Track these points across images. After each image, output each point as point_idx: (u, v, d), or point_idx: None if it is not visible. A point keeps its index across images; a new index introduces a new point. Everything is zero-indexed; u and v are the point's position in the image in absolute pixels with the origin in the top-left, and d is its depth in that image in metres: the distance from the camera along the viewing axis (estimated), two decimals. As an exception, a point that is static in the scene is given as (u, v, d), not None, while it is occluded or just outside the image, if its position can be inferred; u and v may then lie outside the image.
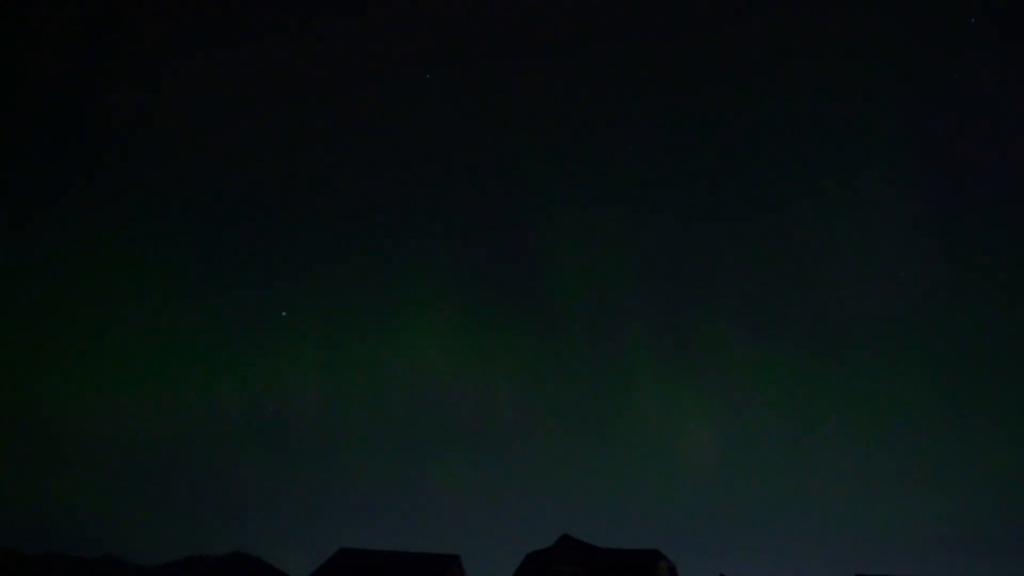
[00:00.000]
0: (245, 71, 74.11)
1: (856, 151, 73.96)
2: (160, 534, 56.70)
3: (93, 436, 64.42)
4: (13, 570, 45.68)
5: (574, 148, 75.71)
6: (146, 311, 69.33)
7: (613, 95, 75.77)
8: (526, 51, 75.21)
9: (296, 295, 71.10)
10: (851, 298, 71.57)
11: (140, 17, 72.95)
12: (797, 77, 74.29)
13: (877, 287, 71.09)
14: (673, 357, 72.00)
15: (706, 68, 75.17)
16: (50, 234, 69.97)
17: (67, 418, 65.26)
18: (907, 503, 64.00)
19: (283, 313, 68.90)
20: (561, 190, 75.38)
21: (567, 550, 44.66)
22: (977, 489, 64.58)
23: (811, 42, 73.74)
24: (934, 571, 46.67)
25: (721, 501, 64.22)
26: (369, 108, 74.69)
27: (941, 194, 73.32)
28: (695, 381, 71.08)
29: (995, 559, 56.19)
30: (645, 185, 75.27)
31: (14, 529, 52.00)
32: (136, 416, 65.06)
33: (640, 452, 67.81)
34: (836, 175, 74.00)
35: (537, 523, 61.11)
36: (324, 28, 73.92)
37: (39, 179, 71.06)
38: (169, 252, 71.63)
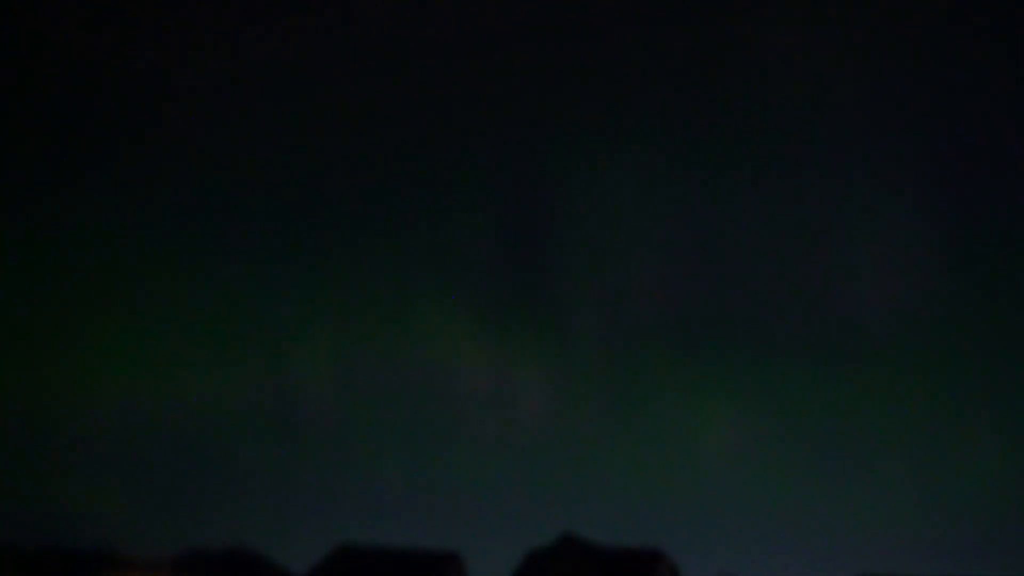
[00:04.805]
0: (257, 60, 74.05)
1: (865, 154, 73.78)
2: (157, 528, 56.56)
3: (90, 429, 64.28)
4: (9, 564, 45.55)
5: (587, 143, 75.65)
6: (147, 303, 69.22)
7: (623, 91, 75.60)
8: (536, 41, 75.05)
9: (306, 285, 71.03)
10: (856, 302, 71.41)
11: (142, 12, 72.85)
12: (798, 78, 74.11)
13: (881, 291, 70.96)
14: (682, 358, 71.79)
15: (707, 68, 75.00)
16: (47, 229, 69.87)
17: (64, 411, 65.15)
18: (911, 502, 63.78)
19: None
20: (576, 184, 75.31)
21: (568, 549, 44.50)
22: (981, 489, 64.39)
23: (814, 40, 73.55)
24: (937, 570, 46.43)
25: (724, 500, 64.00)
26: (381, 96, 74.69)
27: (950, 196, 73.12)
28: (700, 381, 70.87)
29: (997, 559, 56.06)
30: (654, 187, 75.13)
31: (10, 524, 51.86)
32: (134, 409, 64.93)
33: (643, 451, 67.59)
34: (842, 177, 73.81)
35: (538, 521, 60.84)
36: (334, 17, 73.87)
37: (37, 172, 71.00)
38: (171, 242, 71.50)
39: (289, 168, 74.36)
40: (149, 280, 70.25)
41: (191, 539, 48.82)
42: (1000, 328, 69.76)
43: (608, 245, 73.79)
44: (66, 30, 73.23)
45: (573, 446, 66.65)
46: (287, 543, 50.83)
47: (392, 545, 46.03)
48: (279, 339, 69.37)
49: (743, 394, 69.12)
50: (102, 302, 69.66)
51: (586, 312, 72.51)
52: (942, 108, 73.46)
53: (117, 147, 72.95)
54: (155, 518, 58.30)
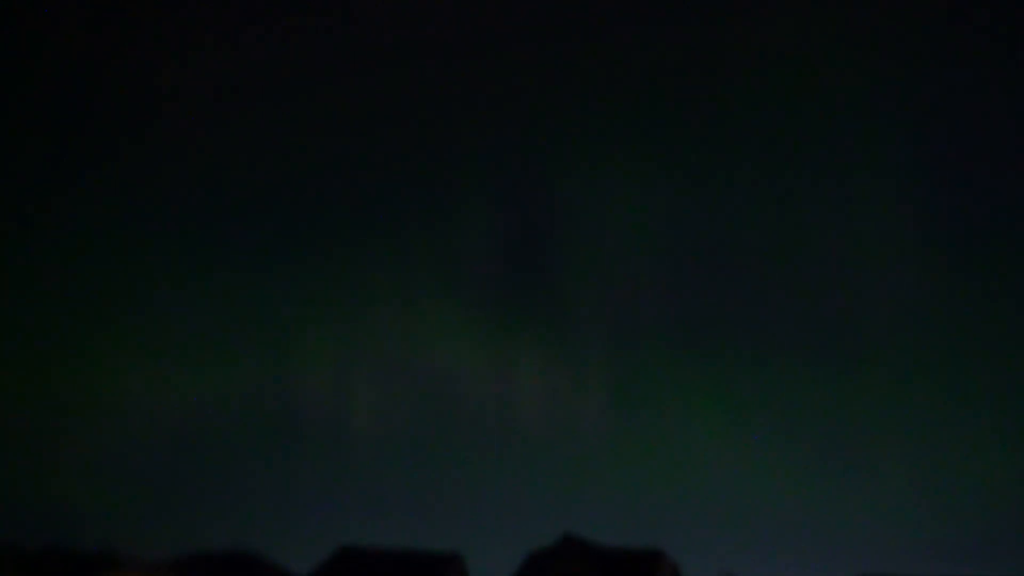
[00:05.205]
0: (257, 60, 74.02)
1: (864, 153, 73.79)
2: (159, 529, 56.51)
3: (90, 429, 64.25)
4: (10, 564, 45.53)
5: (587, 143, 75.67)
6: (147, 303, 69.19)
7: (623, 91, 75.60)
8: (536, 41, 75.01)
9: (306, 285, 71.01)
10: (856, 302, 71.41)
11: (142, 12, 72.80)
12: (798, 78, 74.13)
13: (882, 292, 70.99)
14: (682, 358, 71.78)
15: (707, 68, 75.02)
16: (47, 230, 69.81)
17: (64, 411, 65.11)
18: (911, 502, 63.80)
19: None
20: (576, 185, 75.33)
21: (569, 549, 44.50)
22: (981, 489, 64.39)
23: (814, 40, 73.59)
24: (937, 570, 46.46)
25: (725, 500, 64.00)
26: (382, 96, 74.69)
27: (949, 196, 73.15)
28: (701, 381, 70.87)
29: (997, 559, 56.05)
30: (654, 187, 75.16)
31: (12, 523, 51.81)
32: (134, 409, 64.89)
33: (644, 451, 67.60)
34: (842, 177, 73.84)
35: (539, 521, 60.87)
36: (334, 17, 73.89)
37: (36, 173, 70.93)
38: (171, 242, 71.46)
39: (289, 168, 74.36)
40: (149, 280, 70.25)
41: (192, 540, 48.87)
42: (1000, 328, 69.81)
43: (609, 246, 73.83)
44: (66, 30, 73.20)
45: (573, 446, 66.66)
46: (288, 544, 50.83)
47: (393, 546, 46.06)
48: (279, 339, 69.38)
49: (744, 394, 69.15)
50: (102, 302, 69.66)
51: (587, 312, 72.55)
52: (942, 108, 73.52)
53: (116, 147, 72.95)
54: (156, 519, 58.26)
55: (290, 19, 74.79)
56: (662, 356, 71.55)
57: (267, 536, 52.14)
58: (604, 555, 44.67)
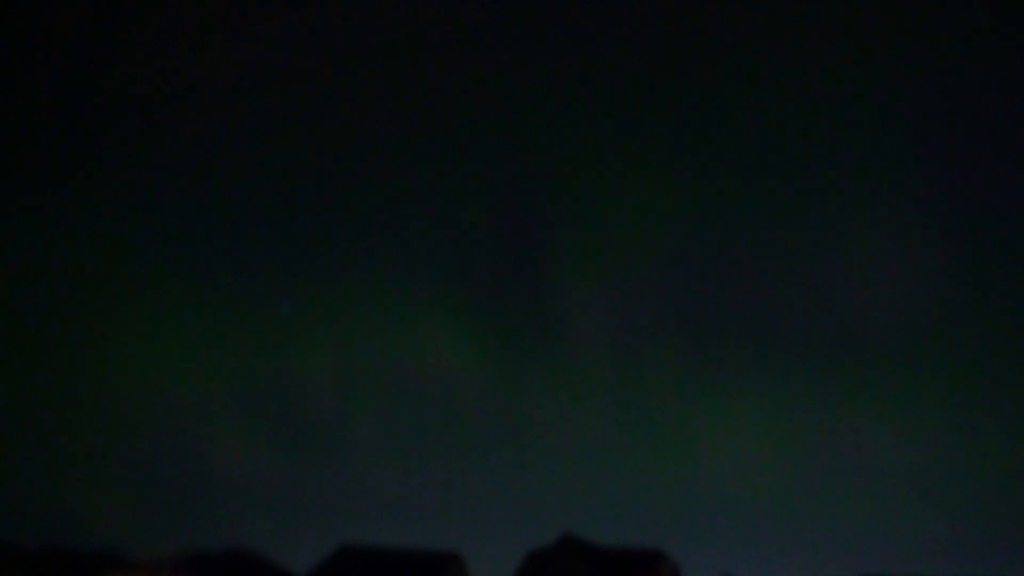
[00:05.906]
0: (249, 58, 74.06)
1: (870, 151, 73.81)
2: (159, 529, 56.58)
3: (91, 430, 64.28)
4: (10, 564, 45.58)
5: (588, 143, 75.65)
6: (147, 303, 69.23)
7: (624, 90, 75.62)
8: (535, 40, 75.04)
9: (306, 285, 71.11)
10: (858, 302, 71.40)
11: (139, 11, 72.92)
12: (800, 76, 74.16)
13: (884, 291, 70.99)
14: (682, 358, 71.76)
15: (709, 67, 75.05)
16: (48, 231, 69.89)
17: (65, 412, 65.15)
18: (911, 502, 63.80)
19: (285, 310, 68.70)
20: (577, 186, 75.36)
21: (568, 549, 44.52)
22: (981, 489, 64.38)
23: (815, 40, 73.63)
24: (937, 570, 46.45)
25: (725, 500, 64.01)
26: (382, 97, 74.75)
27: (953, 194, 73.14)
28: (701, 381, 70.85)
29: (997, 559, 56.07)
30: (655, 187, 75.14)
31: (12, 523, 51.87)
32: (134, 409, 64.92)
33: (644, 451, 67.59)
34: (845, 176, 73.84)
35: (539, 521, 60.90)
36: (332, 18, 73.95)
37: (36, 173, 71.01)
38: (172, 243, 71.50)
39: (289, 169, 74.43)
40: (149, 281, 70.31)
41: (192, 540, 48.90)
42: (1002, 328, 69.80)
43: (609, 246, 73.86)
44: (66, 30, 73.27)
45: (573, 446, 66.66)
46: (288, 543, 50.88)
47: (393, 545, 46.10)
48: (279, 339, 69.43)
49: (744, 394, 69.14)
50: (102, 303, 69.71)
51: (587, 311, 72.57)
52: (944, 107, 73.56)
53: (115, 145, 73.05)
54: (156, 518, 58.33)
55: (288, 19, 74.91)
56: (662, 356, 71.53)
57: (267, 535, 52.23)
58: (603, 555, 44.70)
